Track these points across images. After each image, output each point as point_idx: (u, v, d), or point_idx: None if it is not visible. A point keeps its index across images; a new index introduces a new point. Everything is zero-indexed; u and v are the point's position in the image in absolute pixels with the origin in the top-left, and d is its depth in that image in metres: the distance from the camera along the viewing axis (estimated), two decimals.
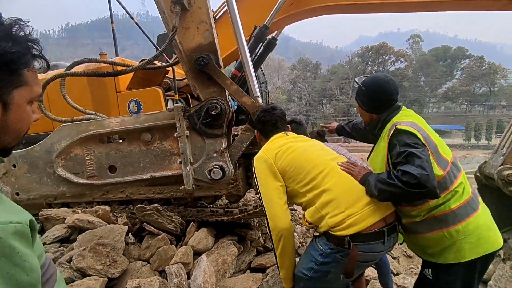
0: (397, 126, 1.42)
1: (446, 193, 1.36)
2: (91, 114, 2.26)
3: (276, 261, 1.51)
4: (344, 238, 1.33)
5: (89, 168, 2.12)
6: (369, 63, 42.01)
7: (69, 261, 2.28)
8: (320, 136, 2.51)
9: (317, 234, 1.48)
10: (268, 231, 1.51)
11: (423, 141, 1.36)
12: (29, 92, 0.61)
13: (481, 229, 1.33)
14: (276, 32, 4.13)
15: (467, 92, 44.70)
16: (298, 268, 1.52)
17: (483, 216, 1.37)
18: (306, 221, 1.48)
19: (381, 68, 41.50)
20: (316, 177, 1.45)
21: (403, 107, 1.62)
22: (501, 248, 1.40)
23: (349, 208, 1.35)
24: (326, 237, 1.42)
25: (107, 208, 3.02)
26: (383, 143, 1.51)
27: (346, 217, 1.34)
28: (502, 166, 2.78)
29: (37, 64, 0.62)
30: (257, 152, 3.09)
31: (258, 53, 3.67)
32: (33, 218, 0.58)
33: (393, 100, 1.59)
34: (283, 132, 1.76)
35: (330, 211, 1.37)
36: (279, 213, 1.46)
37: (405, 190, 1.24)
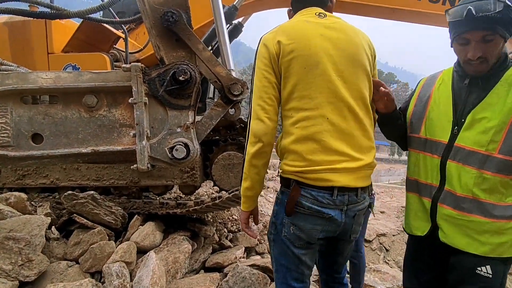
0: None
1: None
2: (11, 66, 1.71)
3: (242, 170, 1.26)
4: (290, 180, 1.21)
5: (2, 135, 1.58)
6: None
7: None
8: None
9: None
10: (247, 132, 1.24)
11: None
12: None
13: None
14: (243, 17, 3.91)
15: None
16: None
17: None
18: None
19: None
20: (300, 110, 1.19)
21: None
22: None
23: (310, 166, 1.16)
24: (280, 180, 1.31)
25: (23, 195, 2.40)
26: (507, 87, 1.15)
27: (303, 169, 1.18)
28: None
29: None
30: (218, 140, 2.82)
31: None
32: None
33: None
34: (317, 13, 1.25)
35: (289, 158, 1.21)
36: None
37: None
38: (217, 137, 2.76)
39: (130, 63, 3.12)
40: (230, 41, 3.86)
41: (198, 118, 2.03)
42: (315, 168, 1.15)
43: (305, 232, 1.21)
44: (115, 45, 3.26)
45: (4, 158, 1.56)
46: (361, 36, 1.27)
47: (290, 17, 1.42)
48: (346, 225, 1.25)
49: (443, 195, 1.26)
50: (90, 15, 1.80)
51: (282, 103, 1.23)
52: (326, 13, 1.28)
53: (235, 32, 3.80)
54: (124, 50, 3.20)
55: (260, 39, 1.25)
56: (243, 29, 3.94)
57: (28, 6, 2.79)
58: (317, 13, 1.26)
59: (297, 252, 1.24)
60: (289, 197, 1.20)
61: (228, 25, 3.65)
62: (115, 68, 2.84)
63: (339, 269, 1.48)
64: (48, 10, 1.81)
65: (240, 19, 3.84)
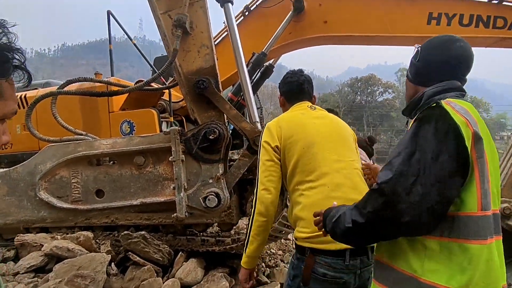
0: (440, 102, 0.91)
1: None
2: (81, 135, 2.15)
3: (248, 234, 1.45)
4: (305, 248, 1.34)
5: (74, 192, 1.97)
6: (359, 93, 43.44)
7: None
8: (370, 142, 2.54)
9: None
10: (252, 203, 1.44)
11: (468, 145, 0.85)
12: (2, 107, 0.53)
13: None
14: (273, 59, 4.20)
15: None
16: None
17: None
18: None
19: (370, 98, 42.86)
20: (303, 182, 1.38)
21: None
22: None
23: (316, 231, 1.26)
24: (295, 247, 1.44)
25: (90, 234, 2.82)
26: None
27: (312, 234, 1.30)
28: None
29: (17, 76, 0.54)
30: (252, 179, 3.03)
31: (255, 80, 3.69)
32: None
33: (454, 69, 1.03)
34: (309, 105, 1.58)
35: (300, 225, 1.37)
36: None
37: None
38: (250, 177, 2.98)
39: (172, 112, 3.55)
40: (262, 81, 4.19)
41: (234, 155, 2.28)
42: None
43: None
44: (162, 96, 3.74)
45: (76, 211, 1.95)
46: (343, 122, 1.58)
47: (281, 103, 1.72)
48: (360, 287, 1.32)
49: None
50: (146, 86, 2.16)
51: (288, 178, 1.43)
52: (315, 106, 1.60)
53: (266, 73, 4.09)
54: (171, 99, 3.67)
55: (265, 125, 1.53)
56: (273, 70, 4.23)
57: (95, 74, 3.41)
58: (308, 106, 1.57)
59: None
60: (305, 265, 1.32)
61: (261, 67, 3.97)
62: (161, 120, 3.26)
63: None
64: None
65: (270, 61, 4.15)
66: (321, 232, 1.26)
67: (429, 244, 0.88)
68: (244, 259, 1.48)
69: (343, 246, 1.25)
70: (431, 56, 1.07)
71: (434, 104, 0.90)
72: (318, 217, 1.13)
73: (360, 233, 0.92)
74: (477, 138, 0.86)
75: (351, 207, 0.95)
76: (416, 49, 1.13)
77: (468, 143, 0.85)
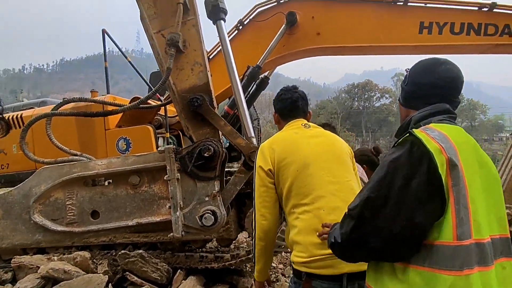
0: (412, 130, 0.90)
1: None
2: (76, 155, 2.14)
3: (254, 254, 1.50)
4: (302, 273, 1.32)
5: (69, 214, 1.96)
6: (356, 99, 43.67)
7: None
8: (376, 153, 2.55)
9: None
10: (252, 224, 1.46)
11: (442, 172, 0.82)
12: None
13: None
14: (268, 71, 4.22)
15: None
16: None
17: None
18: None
19: (367, 104, 43.08)
20: (299, 205, 1.36)
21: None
22: None
23: (313, 256, 1.28)
24: (292, 270, 1.43)
25: (87, 255, 2.79)
26: None
27: (308, 259, 1.29)
28: None
29: None
30: (250, 193, 3.01)
31: (251, 92, 3.70)
32: None
33: (442, 92, 1.01)
34: (303, 124, 1.54)
35: (296, 249, 1.35)
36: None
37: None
38: (248, 190, 2.96)
39: (169, 127, 3.55)
40: (258, 93, 4.21)
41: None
42: (319, 258, 1.26)
43: None
44: (158, 112, 3.75)
45: (71, 233, 1.92)
46: (339, 139, 1.54)
47: (276, 120, 1.71)
48: None
49: None
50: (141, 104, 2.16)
51: (284, 201, 1.41)
52: (310, 124, 1.57)
53: (262, 85, 4.12)
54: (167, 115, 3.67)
55: (259, 147, 1.52)
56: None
57: (91, 92, 3.43)
58: (302, 124, 1.54)
59: None
60: None
61: (256, 80, 3.99)
62: (158, 135, 3.26)
63: None
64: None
65: (266, 73, 4.17)
66: (318, 257, 1.25)
67: (411, 272, 0.86)
68: (255, 273, 1.53)
69: (341, 270, 1.23)
70: (418, 80, 1.07)
71: (408, 134, 0.91)
72: (326, 228, 1.20)
73: (339, 250, 1.00)
74: (452, 165, 0.84)
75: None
76: (406, 72, 1.13)
77: (442, 170, 0.83)
